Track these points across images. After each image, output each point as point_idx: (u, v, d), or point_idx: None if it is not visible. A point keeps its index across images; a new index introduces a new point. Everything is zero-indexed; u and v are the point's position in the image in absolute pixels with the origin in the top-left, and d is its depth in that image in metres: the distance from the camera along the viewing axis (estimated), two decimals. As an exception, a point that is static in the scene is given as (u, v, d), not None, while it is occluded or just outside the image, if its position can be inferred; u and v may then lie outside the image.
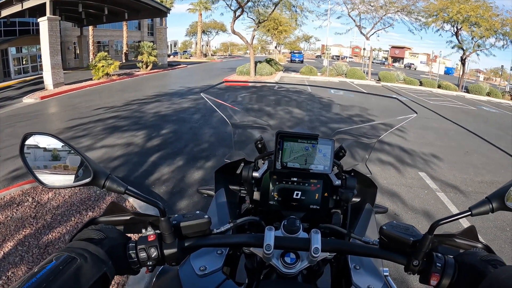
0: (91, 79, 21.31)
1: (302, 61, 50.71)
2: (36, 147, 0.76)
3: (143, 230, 0.81)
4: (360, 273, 0.92)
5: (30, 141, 0.76)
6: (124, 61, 37.27)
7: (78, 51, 32.65)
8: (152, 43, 27.90)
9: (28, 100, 15.87)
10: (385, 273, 0.97)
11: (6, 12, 20.95)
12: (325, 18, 32.22)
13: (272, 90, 17.34)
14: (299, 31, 59.01)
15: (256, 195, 1.24)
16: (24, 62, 27.12)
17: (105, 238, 0.76)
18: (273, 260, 0.85)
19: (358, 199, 1.33)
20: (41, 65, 19.19)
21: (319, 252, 0.78)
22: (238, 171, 1.34)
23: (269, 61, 30.66)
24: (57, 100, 15.43)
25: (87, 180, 0.75)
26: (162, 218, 0.77)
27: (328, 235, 1.10)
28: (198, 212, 0.84)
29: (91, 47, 30.47)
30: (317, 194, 1.20)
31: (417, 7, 27.28)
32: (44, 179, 0.77)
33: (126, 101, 13.11)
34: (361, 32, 30.09)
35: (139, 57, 27.26)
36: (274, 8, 24.74)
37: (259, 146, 1.38)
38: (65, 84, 19.23)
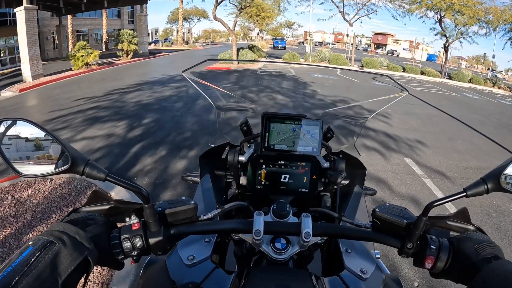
0: (70, 69, 20.59)
1: (285, 48, 50.47)
2: (11, 134, 0.70)
3: (127, 219, 0.79)
4: (352, 256, 0.90)
5: (1, 128, 0.69)
6: (104, 50, 36.20)
7: (57, 41, 31.41)
8: (132, 31, 27.08)
9: (6, 93, 15.23)
10: (376, 256, 0.96)
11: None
12: (308, 4, 31.69)
13: (255, 75, 17.16)
14: (282, 18, 58.48)
15: (243, 180, 1.19)
16: (1, 54, 26.12)
17: (87, 224, 0.72)
18: (263, 246, 0.83)
19: (347, 181, 1.28)
20: (19, 57, 18.36)
21: (310, 236, 0.76)
22: (224, 156, 1.29)
23: (251, 48, 30.25)
24: (37, 92, 14.89)
25: (65, 167, 0.70)
26: (146, 205, 0.73)
27: (319, 219, 1.07)
28: (183, 198, 0.80)
29: (70, 37, 29.46)
30: (305, 177, 1.15)
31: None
32: (20, 168, 0.71)
33: (107, 91, 12.71)
34: (344, 19, 29.89)
35: (119, 46, 26.41)
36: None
37: (244, 129, 1.30)
38: (44, 76, 18.54)
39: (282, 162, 1.15)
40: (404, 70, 29.98)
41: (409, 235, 0.76)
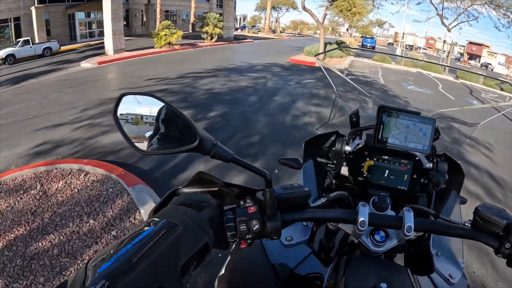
0: (153, 47, 21.01)
1: (374, 47, 47.46)
2: (132, 108, 0.72)
3: (241, 202, 0.78)
4: (441, 260, 0.94)
5: (126, 101, 0.72)
6: (191, 31, 36.95)
7: (145, 19, 32.87)
8: (218, 15, 27.04)
9: (85, 64, 15.87)
10: (462, 265, 0.97)
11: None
12: (403, 3, 29.08)
13: (339, 78, 15.46)
14: (373, 15, 55.37)
15: (344, 170, 1.20)
16: (92, 27, 27.79)
17: (202, 207, 0.72)
18: (363, 237, 0.85)
19: (444, 185, 1.22)
20: (106, 31, 18.99)
21: (411, 231, 0.78)
22: (327, 144, 1.32)
23: (339, 44, 28.48)
24: (113, 66, 15.04)
25: (192, 145, 0.68)
26: (268, 189, 0.74)
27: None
28: (296, 184, 0.82)
29: (158, 16, 30.44)
30: (406, 175, 1.13)
31: (508, 1, 23.76)
32: (140, 145, 0.71)
33: (181, 74, 12.13)
34: (443, 23, 26.79)
35: (204, 28, 26.61)
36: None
37: (354, 119, 1.30)
38: (126, 51, 19.01)
39: (386, 157, 1.13)
40: (502, 89, 25.85)
41: (507, 236, 0.76)
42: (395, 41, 61.00)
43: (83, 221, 3.48)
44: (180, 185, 0.82)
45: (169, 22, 22.06)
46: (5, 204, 3.90)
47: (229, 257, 0.97)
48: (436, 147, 1.22)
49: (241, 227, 0.73)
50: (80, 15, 27.59)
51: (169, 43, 20.97)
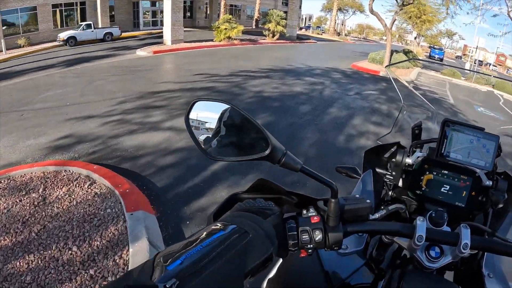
0: (212, 40, 20.70)
1: (441, 59, 44.12)
2: (204, 114, 0.74)
3: (304, 211, 0.78)
4: (493, 282, 0.92)
5: (199, 107, 0.74)
6: (254, 27, 36.60)
7: (209, 12, 33.03)
8: (282, 13, 26.24)
9: (140, 52, 15.84)
10: None
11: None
12: (477, 14, 26.36)
13: (405, 91, 13.86)
14: (444, 25, 51.66)
15: (402, 183, 1.18)
16: (155, 16, 28.34)
17: (266, 215, 0.72)
18: (418, 252, 0.84)
19: (502, 204, 1.16)
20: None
21: (468, 248, 0.77)
22: (387, 155, 1.30)
23: (406, 53, 26.31)
24: (167, 57, 14.78)
25: (264, 153, 0.70)
26: (333, 200, 0.75)
27: None
28: (357, 196, 0.84)
29: (222, 9, 30.48)
30: (464, 192, 1.10)
31: None
32: (210, 150, 0.73)
33: (233, 71, 11.44)
34: None
35: (266, 25, 25.95)
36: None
37: (416, 131, 1.29)
38: (184, 42, 18.85)
39: (446, 171, 1.11)
40: None
41: None
42: (464, 55, 57.17)
43: (66, 246, 2.99)
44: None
45: (230, 16, 21.67)
46: (4, 205, 3.67)
47: (280, 260, 0.97)
48: (497, 164, 1.17)
49: (303, 237, 0.74)
50: (144, 4, 28.31)
51: (229, 38, 20.53)
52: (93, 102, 7.53)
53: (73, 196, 3.77)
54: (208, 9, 33.25)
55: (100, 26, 23.03)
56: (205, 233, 0.60)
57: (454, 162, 1.08)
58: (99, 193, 3.77)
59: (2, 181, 4.20)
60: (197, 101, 0.73)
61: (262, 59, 15.72)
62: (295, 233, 0.73)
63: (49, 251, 2.95)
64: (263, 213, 0.71)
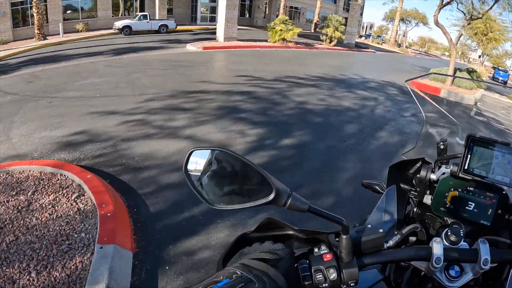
0: (266, 41, 20.17)
1: (505, 82, 40.53)
2: (203, 162, 0.74)
3: (315, 249, 0.78)
4: None
5: (197, 155, 0.74)
6: (312, 31, 35.69)
7: (267, 11, 32.68)
8: (342, 18, 25.15)
9: (190, 47, 15.69)
10: None
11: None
12: None
13: (466, 117, 12.31)
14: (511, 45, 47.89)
15: (427, 199, 1.16)
16: (214, 12, 28.49)
17: (279, 259, 0.74)
18: (437, 273, 0.84)
19: None
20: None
21: (488, 263, 0.77)
22: (412, 171, 1.27)
23: (470, 72, 24.03)
24: (216, 54, 14.43)
25: (268, 198, 0.67)
26: (344, 236, 0.74)
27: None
28: (369, 226, 0.83)
29: (281, 10, 30.02)
30: (490, 209, 1.07)
31: None
32: (212, 199, 0.71)
33: (280, 75, 10.73)
34: None
35: (324, 30, 24.93)
36: (494, 4, 18.15)
37: (441, 147, 1.32)
38: (237, 40, 18.48)
39: (471, 188, 1.09)
40: None
41: None
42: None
43: (27, 269, 2.61)
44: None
45: (287, 17, 21.02)
46: (-8, 204, 3.43)
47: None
48: None
49: (317, 276, 0.73)
50: None
51: (283, 39, 19.88)
52: (122, 96, 7.21)
53: (56, 208, 3.35)
54: (267, 9, 32.89)
55: (157, 17, 23.31)
56: (212, 280, 0.61)
57: (478, 178, 1.06)
58: (82, 209, 3.27)
59: (1, 175, 4.04)
60: (194, 151, 0.73)
61: (314, 65, 14.84)
62: (308, 273, 0.73)
63: (11, 270, 2.61)
64: (272, 259, 0.72)
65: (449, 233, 0.85)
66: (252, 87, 8.68)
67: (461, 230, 0.85)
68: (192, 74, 9.84)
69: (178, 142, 4.88)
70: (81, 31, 23.09)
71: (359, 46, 30.44)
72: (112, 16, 25.30)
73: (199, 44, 16.35)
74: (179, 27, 22.90)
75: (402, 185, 1.28)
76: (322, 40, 25.70)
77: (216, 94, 7.57)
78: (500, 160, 1.05)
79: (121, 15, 25.40)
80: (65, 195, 3.54)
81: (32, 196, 3.58)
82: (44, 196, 3.56)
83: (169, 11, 26.86)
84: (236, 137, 5.26)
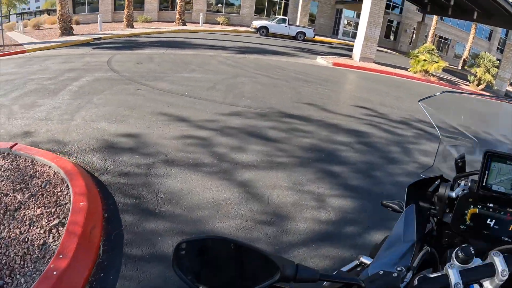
0: (406, 69, 17.65)
1: None
2: (195, 254, 0.69)
3: None
4: None
5: (187, 249, 0.68)
6: (460, 68, 31.12)
7: (414, 38, 29.68)
8: (495, 59, 20.98)
9: (320, 60, 14.73)
10: None
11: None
12: None
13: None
14: None
15: (446, 217, 1.17)
16: (357, 27, 26.71)
17: None
18: None
19: None
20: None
21: (507, 274, 0.77)
22: (431, 189, 1.28)
23: None
24: (345, 73, 12.83)
25: (275, 278, 0.65)
26: None
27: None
28: (381, 272, 0.81)
29: (429, 38, 26.76)
30: (511, 226, 1.06)
31: None
32: None
33: (409, 117, 8.14)
34: None
35: (473, 69, 20.93)
36: None
37: (460, 164, 1.28)
38: (374, 62, 16.49)
39: (491, 204, 1.08)
40: None
41: None
42: None
43: None
44: None
45: (433, 47, 18.07)
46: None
47: None
48: None
49: None
50: (347, 13, 26.68)
51: (426, 71, 17.05)
52: (209, 101, 6.18)
53: (19, 237, 2.32)
54: (414, 34, 29.73)
55: (297, 24, 22.51)
56: None
57: (496, 194, 1.05)
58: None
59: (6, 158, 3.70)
60: (181, 243, 0.67)
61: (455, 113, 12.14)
62: None
63: None
64: None
65: (460, 254, 0.82)
66: (368, 126, 6.66)
67: (471, 249, 0.82)
68: (305, 91, 8.31)
69: (225, 189, 3.42)
70: (221, 24, 23.64)
71: (509, 96, 25.32)
72: (254, 15, 25.46)
73: (331, 58, 14.92)
74: (317, 38, 21.74)
75: (421, 204, 1.26)
76: (468, 81, 21.70)
77: (317, 126, 5.89)
78: None
79: (262, 15, 25.42)
80: (40, 223, 2.54)
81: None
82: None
83: (312, 20, 25.94)
84: (307, 205, 3.36)
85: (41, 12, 28.72)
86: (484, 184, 1.04)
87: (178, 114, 5.25)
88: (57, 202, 2.92)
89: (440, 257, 0.98)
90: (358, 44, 16.30)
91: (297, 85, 8.77)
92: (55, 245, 2.40)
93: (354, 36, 26.03)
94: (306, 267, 0.68)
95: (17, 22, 22.80)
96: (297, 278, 0.66)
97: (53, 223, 2.61)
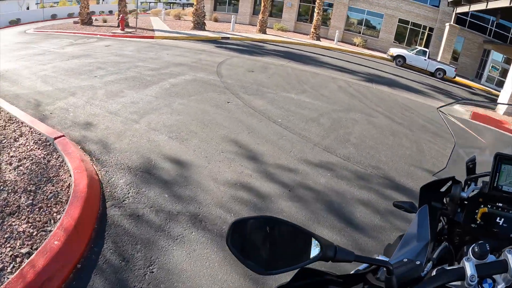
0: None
1: None
2: (246, 232, 0.72)
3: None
4: None
5: (239, 227, 0.71)
6: None
7: None
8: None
9: (459, 108, 11.94)
10: None
11: (493, 4, 15.83)
12: None
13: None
14: None
15: (458, 217, 1.20)
16: (504, 75, 22.00)
17: None
18: None
19: None
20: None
21: None
22: (443, 189, 1.31)
23: None
24: (482, 131, 10.33)
25: (317, 256, 0.70)
26: (389, 276, 0.78)
27: None
28: (405, 260, 0.85)
29: None
30: None
31: None
32: (261, 266, 0.68)
33: None
34: None
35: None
36: None
37: (470, 166, 1.32)
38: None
39: (501, 204, 1.11)
40: None
41: None
42: None
43: None
44: None
45: None
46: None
47: None
48: None
49: None
50: (496, 56, 21.91)
51: None
52: (300, 137, 4.89)
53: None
54: None
55: (438, 59, 19.75)
56: None
57: (507, 195, 1.07)
58: None
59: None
60: (235, 222, 0.70)
61: None
62: None
63: None
64: None
65: (476, 250, 0.84)
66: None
67: (486, 245, 0.85)
68: (430, 151, 5.98)
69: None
70: (357, 45, 22.13)
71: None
72: (394, 41, 23.28)
73: (471, 108, 12.39)
74: (458, 78, 18.72)
75: (433, 204, 1.28)
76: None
77: (332, 191, 4.28)
78: None
79: (403, 44, 23.09)
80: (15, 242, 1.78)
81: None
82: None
83: (455, 58, 22.62)
84: None
85: (190, 4, 30.80)
86: (495, 185, 1.07)
87: (252, 148, 4.17)
88: (45, 226, 2.29)
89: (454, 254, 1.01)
90: (504, 96, 13.27)
91: (422, 138, 6.69)
92: (8, 277, 1.88)
93: (499, 84, 21.72)
94: (344, 249, 0.71)
95: (162, 10, 24.69)
96: (335, 258, 0.70)
97: (22, 250, 2.05)
